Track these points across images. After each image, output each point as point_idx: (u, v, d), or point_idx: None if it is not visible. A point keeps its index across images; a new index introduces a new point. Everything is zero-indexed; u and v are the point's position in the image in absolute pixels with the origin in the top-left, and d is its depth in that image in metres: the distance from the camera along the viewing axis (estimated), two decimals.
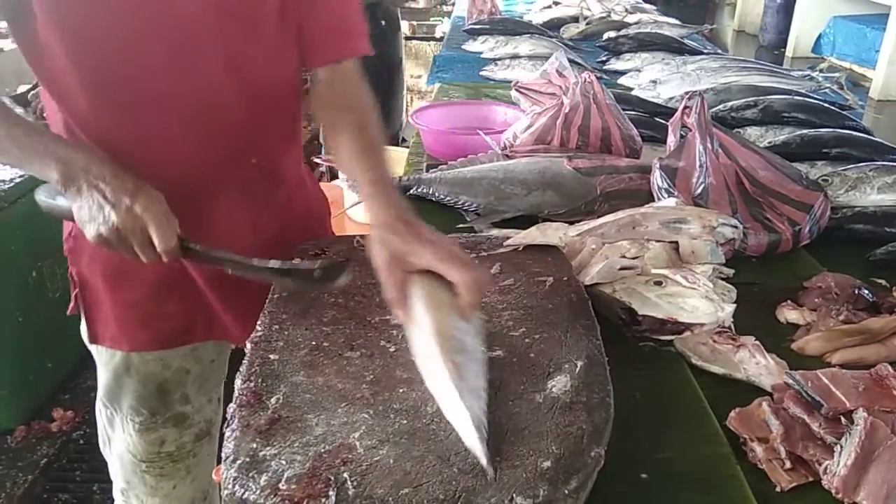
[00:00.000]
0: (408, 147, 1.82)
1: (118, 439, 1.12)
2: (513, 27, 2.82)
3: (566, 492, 0.59)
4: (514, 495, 0.58)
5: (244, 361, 0.75)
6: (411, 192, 1.37)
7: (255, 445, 0.63)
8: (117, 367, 1.05)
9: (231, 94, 0.91)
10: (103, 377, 1.08)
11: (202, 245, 0.84)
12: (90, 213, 0.78)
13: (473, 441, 0.63)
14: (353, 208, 1.56)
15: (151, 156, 0.89)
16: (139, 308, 1.00)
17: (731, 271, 1.04)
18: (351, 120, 0.96)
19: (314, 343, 0.78)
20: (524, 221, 1.19)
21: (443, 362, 0.69)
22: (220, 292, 1.01)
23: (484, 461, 0.61)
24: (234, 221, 0.99)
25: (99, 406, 1.12)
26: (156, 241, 0.79)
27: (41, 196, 0.87)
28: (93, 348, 1.08)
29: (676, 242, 1.05)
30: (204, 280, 1.00)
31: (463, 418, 0.64)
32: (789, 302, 1.03)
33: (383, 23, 3.09)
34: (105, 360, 1.06)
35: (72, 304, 1.04)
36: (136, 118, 0.88)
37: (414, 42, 4.88)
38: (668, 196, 1.18)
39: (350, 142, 0.93)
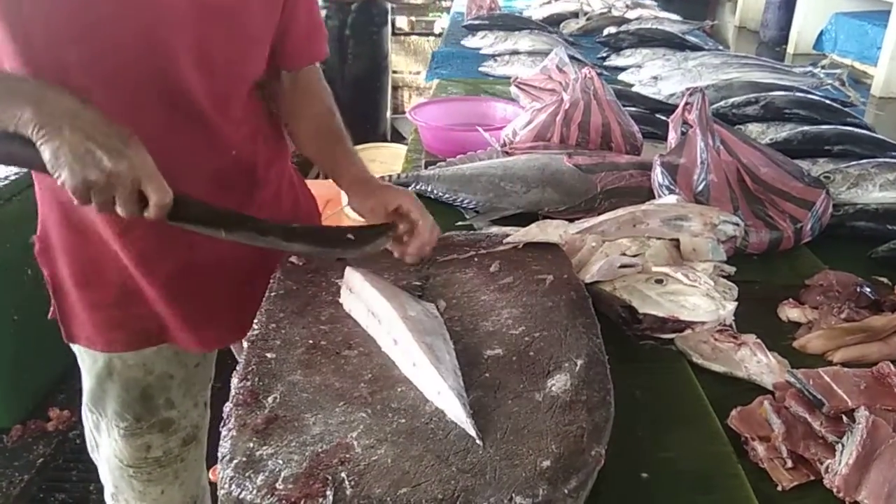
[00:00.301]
0: (406, 144, 1.81)
1: (105, 444, 1.11)
2: (512, 23, 2.80)
3: (566, 491, 0.59)
4: (514, 495, 0.58)
5: (241, 360, 0.74)
6: (410, 189, 1.36)
7: (251, 445, 0.62)
8: (100, 372, 1.04)
9: (199, 87, 0.90)
10: (87, 382, 1.07)
11: (197, 202, 0.81)
12: (74, 157, 0.72)
13: (459, 413, 0.64)
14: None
15: None
16: (108, 310, 0.99)
17: (732, 269, 1.03)
18: (320, 105, 1.08)
19: (311, 341, 0.77)
20: (524, 219, 1.19)
21: (417, 345, 0.70)
22: (175, 301, 0.99)
23: (472, 431, 0.62)
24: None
25: (85, 411, 1.11)
26: (151, 193, 0.75)
27: None
28: (76, 351, 1.07)
29: (677, 240, 1.04)
30: (157, 288, 0.98)
31: (446, 394, 0.65)
32: (791, 300, 1.02)
33: (377, 20, 3.08)
34: (88, 364, 1.05)
35: (51, 309, 1.02)
36: (102, 100, 0.83)
37: (413, 38, 4.86)
38: (669, 193, 1.17)
39: (321, 124, 1.07)
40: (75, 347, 1.06)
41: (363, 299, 0.81)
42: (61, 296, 1.00)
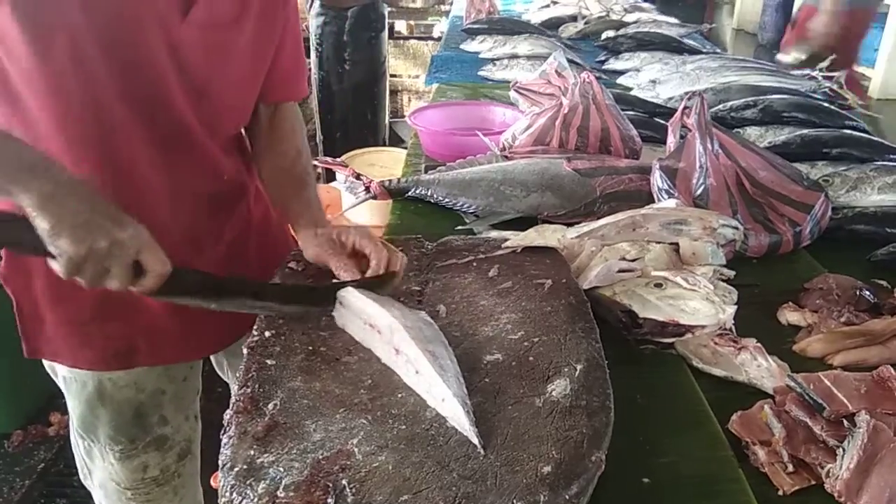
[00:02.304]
0: (405, 148, 1.81)
1: (99, 469, 1.09)
2: (511, 27, 2.81)
3: (567, 497, 0.59)
4: (515, 501, 0.58)
5: (241, 367, 0.74)
6: (409, 193, 1.36)
7: (252, 452, 0.62)
8: (90, 397, 1.02)
9: (193, 115, 0.91)
10: (77, 409, 1.05)
11: (194, 271, 0.81)
12: (78, 225, 0.71)
13: (463, 422, 0.63)
14: (351, 210, 1.55)
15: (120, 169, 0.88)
16: (81, 327, 0.97)
17: (731, 273, 1.03)
18: (288, 145, 1.07)
19: (311, 348, 0.77)
20: (524, 223, 1.19)
21: (420, 353, 0.70)
22: (173, 309, 0.98)
23: (476, 440, 0.62)
24: (197, 230, 0.98)
25: (74, 438, 1.10)
26: (152, 263, 0.75)
27: None
28: (62, 379, 1.04)
29: (677, 244, 1.04)
30: (150, 300, 0.96)
31: (450, 402, 0.65)
32: (790, 303, 1.02)
33: (377, 25, 3.08)
34: (76, 391, 1.03)
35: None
36: (107, 125, 0.86)
37: (412, 42, 4.87)
38: (668, 197, 1.17)
39: (284, 165, 1.05)
40: (61, 375, 1.04)
41: (359, 313, 0.80)
42: (26, 311, 0.98)
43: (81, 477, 1.15)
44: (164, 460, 1.09)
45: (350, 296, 0.82)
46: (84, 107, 0.84)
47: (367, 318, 0.79)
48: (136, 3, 0.82)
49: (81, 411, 1.05)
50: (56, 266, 0.72)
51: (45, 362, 1.06)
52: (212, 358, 1.22)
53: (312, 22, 2.98)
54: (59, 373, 1.04)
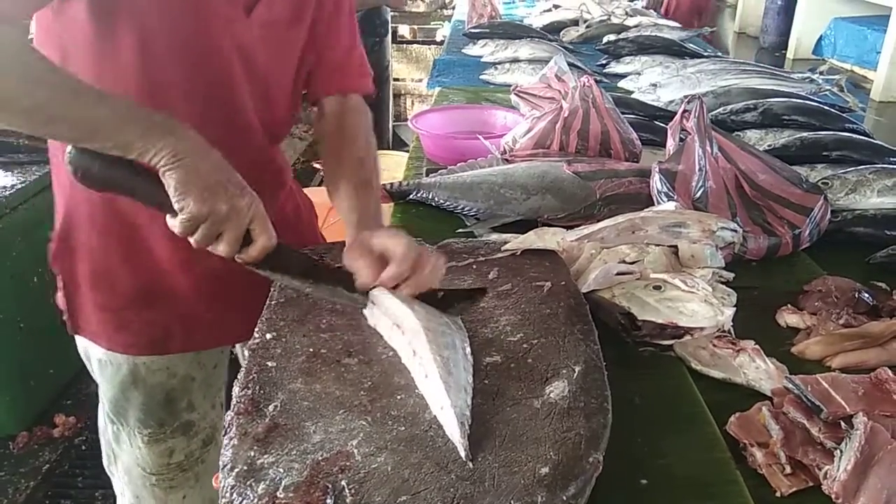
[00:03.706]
0: (407, 151, 1.82)
1: (125, 454, 1.11)
2: (512, 31, 2.82)
3: (564, 498, 0.59)
4: (512, 501, 0.58)
5: (242, 369, 0.75)
6: (411, 196, 1.37)
7: (252, 453, 0.63)
8: (124, 381, 1.05)
9: (243, 89, 0.95)
10: (109, 392, 1.07)
11: (297, 252, 0.84)
12: (206, 187, 0.75)
13: (455, 432, 0.64)
14: None
15: None
16: (118, 313, 1.00)
17: (730, 275, 1.03)
18: (350, 151, 1.05)
19: (312, 350, 0.78)
20: (524, 226, 1.19)
21: (432, 357, 0.71)
22: (208, 298, 1.02)
23: (463, 453, 0.62)
24: None
25: (103, 422, 1.12)
26: (260, 235, 0.79)
27: (78, 158, 0.77)
28: (95, 364, 1.07)
29: (676, 247, 1.04)
30: (191, 286, 1.01)
31: (447, 412, 0.66)
32: (789, 306, 1.02)
33: (381, 31, 3.10)
34: (110, 374, 1.05)
35: (61, 303, 1.03)
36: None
37: (415, 46, 4.89)
38: (668, 200, 1.18)
39: (345, 173, 1.03)
40: (95, 358, 1.06)
41: (389, 312, 0.81)
42: (71, 291, 1.01)
43: (105, 463, 1.16)
44: (189, 446, 1.11)
45: (381, 295, 0.83)
46: (147, 103, 0.86)
47: (394, 318, 0.80)
48: (205, 4, 0.86)
49: (114, 394, 1.07)
50: (173, 222, 0.77)
51: (80, 347, 1.08)
52: (237, 350, 1.23)
53: None
54: (94, 356, 1.06)
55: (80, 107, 0.75)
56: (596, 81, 1.50)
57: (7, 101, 0.73)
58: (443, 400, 0.67)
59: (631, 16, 3.22)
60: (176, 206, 0.76)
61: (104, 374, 1.06)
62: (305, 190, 1.27)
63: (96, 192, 0.82)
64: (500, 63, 2.48)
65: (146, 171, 0.77)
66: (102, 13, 0.82)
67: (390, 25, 3.26)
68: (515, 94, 1.79)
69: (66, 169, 0.78)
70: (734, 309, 0.93)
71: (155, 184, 0.77)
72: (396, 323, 0.79)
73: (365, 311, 0.84)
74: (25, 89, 0.72)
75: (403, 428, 0.66)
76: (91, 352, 1.06)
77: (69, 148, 0.78)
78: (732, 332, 0.94)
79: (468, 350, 0.76)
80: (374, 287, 0.85)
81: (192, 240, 0.78)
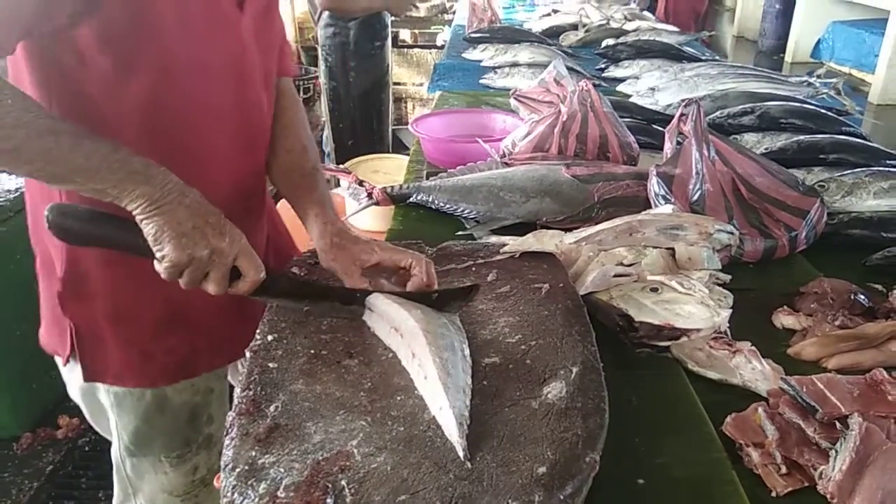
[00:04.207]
0: (408, 155, 1.83)
1: (149, 484, 1.08)
2: (512, 35, 2.84)
3: (561, 497, 0.60)
4: (510, 501, 0.59)
5: (244, 370, 0.76)
6: (411, 199, 1.38)
7: (253, 453, 0.64)
8: (148, 408, 1.02)
9: (264, 105, 0.97)
10: (130, 424, 1.03)
11: (285, 276, 0.85)
12: (181, 233, 0.75)
13: (453, 433, 0.64)
14: (355, 216, 1.56)
15: (196, 169, 0.89)
16: (143, 345, 0.98)
17: (727, 277, 1.04)
18: (293, 140, 1.06)
19: (313, 351, 0.79)
20: (523, 228, 1.20)
21: (431, 359, 0.72)
22: (229, 313, 1.01)
23: (461, 453, 0.63)
24: (253, 238, 0.99)
25: (119, 461, 1.08)
26: (248, 270, 0.79)
27: (58, 217, 0.79)
28: (111, 399, 1.02)
29: (673, 249, 1.05)
30: (210, 305, 0.97)
31: (446, 412, 0.66)
32: (785, 307, 1.03)
33: (382, 33, 3.11)
34: (131, 405, 1.02)
35: (66, 353, 0.98)
36: (192, 131, 0.90)
37: (415, 50, 4.91)
38: (665, 203, 1.19)
39: (292, 160, 1.04)
40: (110, 395, 1.02)
41: (386, 316, 0.82)
42: (85, 335, 0.97)
43: (119, 501, 1.12)
44: (210, 459, 1.11)
45: (377, 300, 0.84)
46: (168, 115, 0.87)
47: (391, 322, 0.81)
48: (219, 11, 0.87)
49: (137, 426, 1.03)
50: (159, 267, 0.77)
51: (75, 390, 1.06)
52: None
53: (321, 33, 3.01)
54: (105, 392, 1.02)
55: (58, 151, 0.74)
56: (594, 85, 1.51)
57: None
58: (441, 401, 0.68)
59: (629, 20, 3.23)
60: (156, 255, 0.76)
61: (122, 407, 1.02)
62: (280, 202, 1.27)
63: (77, 247, 0.82)
64: (499, 67, 2.49)
65: (127, 221, 0.77)
66: (118, 38, 0.80)
67: (390, 30, 3.27)
68: (515, 98, 1.80)
69: (44, 225, 0.78)
70: (730, 310, 0.94)
71: (136, 233, 0.77)
72: (394, 326, 0.80)
73: (364, 318, 0.85)
74: (5, 133, 0.71)
75: (403, 428, 0.67)
76: (100, 389, 1.02)
77: (47, 208, 0.79)
78: (729, 333, 0.94)
79: (467, 351, 0.77)
80: (371, 292, 0.86)
81: (180, 282, 0.78)
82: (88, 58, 0.81)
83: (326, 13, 2.94)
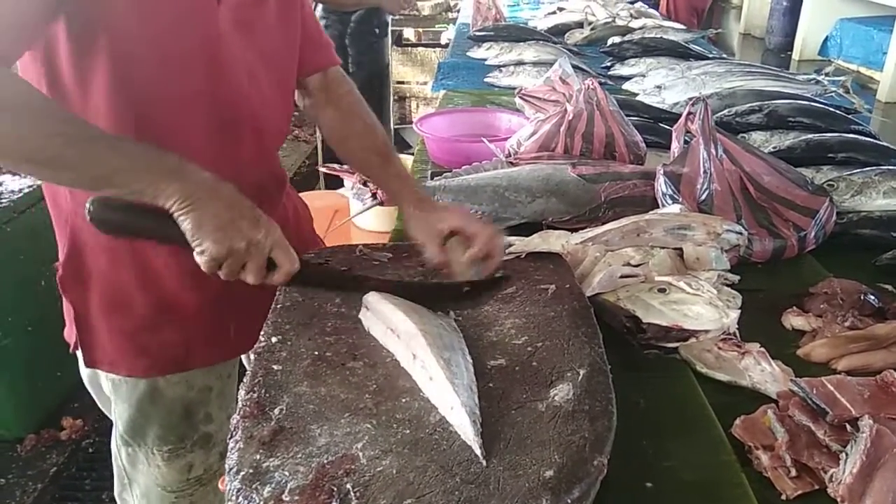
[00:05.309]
0: (412, 154, 1.83)
1: (143, 476, 1.09)
2: (517, 33, 2.82)
3: (569, 501, 0.59)
4: None
5: (248, 372, 0.75)
6: None
7: (258, 457, 0.63)
8: (142, 398, 1.03)
9: (251, 97, 0.96)
10: (125, 412, 1.04)
11: (319, 266, 0.87)
12: (219, 227, 0.77)
13: (468, 432, 0.64)
14: (359, 216, 1.56)
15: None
16: (136, 336, 0.99)
17: (736, 277, 1.03)
18: (359, 123, 1.11)
19: (317, 353, 0.78)
20: (529, 228, 1.20)
21: (434, 360, 0.71)
22: (224, 310, 1.01)
23: (478, 451, 0.62)
24: None
25: (116, 448, 1.10)
26: (283, 261, 0.82)
27: (99, 209, 0.80)
28: (109, 385, 1.04)
29: (681, 249, 1.04)
30: (204, 301, 1.00)
31: (458, 411, 0.66)
32: (795, 308, 1.02)
33: (377, 31, 3.10)
34: (126, 393, 1.03)
35: (73, 339, 1.01)
36: (161, 121, 0.90)
37: (419, 49, 4.90)
38: (673, 202, 1.18)
39: (363, 142, 1.10)
40: (108, 381, 1.04)
41: (382, 317, 0.82)
42: (83, 321, 0.99)
43: (117, 493, 1.13)
44: (207, 459, 1.11)
45: (373, 299, 0.84)
46: (134, 105, 0.87)
47: (387, 323, 0.80)
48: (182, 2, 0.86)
49: (131, 414, 1.04)
50: (199, 260, 0.79)
51: (84, 374, 1.06)
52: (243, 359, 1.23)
53: None
54: (105, 378, 1.04)
55: (94, 157, 0.77)
56: (600, 84, 1.50)
57: (29, 154, 0.75)
58: (452, 400, 0.67)
59: (636, 18, 3.22)
60: (195, 250, 0.79)
61: (118, 394, 1.04)
62: (307, 194, 1.27)
63: (78, 233, 0.83)
64: (504, 66, 2.48)
65: (164, 213, 0.79)
66: (80, 29, 0.81)
67: (391, 27, 3.26)
68: (520, 96, 1.79)
69: (85, 219, 0.80)
70: (739, 311, 0.93)
71: (175, 224, 0.78)
72: (390, 327, 0.79)
73: (360, 316, 0.85)
74: (43, 143, 0.74)
75: (408, 431, 0.66)
76: (101, 375, 1.04)
77: (89, 201, 0.80)
78: (738, 334, 0.94)
79: (466, 350, 0.77)
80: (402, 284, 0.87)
81: (220, 274, 0.80)
82: (59, 44, 0.82)
83: (321, 6, 2.94)
